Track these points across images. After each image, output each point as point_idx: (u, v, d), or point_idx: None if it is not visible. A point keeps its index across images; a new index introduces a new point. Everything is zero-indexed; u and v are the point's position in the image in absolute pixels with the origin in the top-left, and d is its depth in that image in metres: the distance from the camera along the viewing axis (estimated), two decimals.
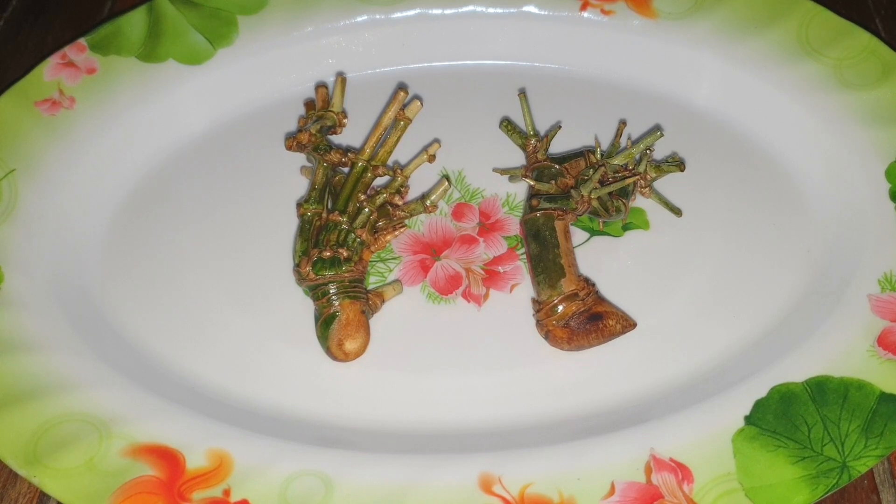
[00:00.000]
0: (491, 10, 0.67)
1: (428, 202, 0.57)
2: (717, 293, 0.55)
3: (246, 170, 0.63)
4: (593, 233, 0.58)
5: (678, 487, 0.44)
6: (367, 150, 0.57)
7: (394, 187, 0.56)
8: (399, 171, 0.57)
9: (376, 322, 0.54)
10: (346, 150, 0.58)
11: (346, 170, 0.58)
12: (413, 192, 0.59)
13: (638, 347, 0.53)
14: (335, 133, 0.60)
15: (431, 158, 0.57)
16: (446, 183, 0.57)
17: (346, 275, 0.53)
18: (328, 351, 0.52)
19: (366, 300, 0.53)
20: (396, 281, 0.56)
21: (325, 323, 0.52)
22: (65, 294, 0.55)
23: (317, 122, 0.58)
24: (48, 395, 0.49)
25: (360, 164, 0.57)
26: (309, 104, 0.62)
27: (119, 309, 0.56)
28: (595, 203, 0.55)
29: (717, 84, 0.64)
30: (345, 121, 0.60)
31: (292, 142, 0.57)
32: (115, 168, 0.61)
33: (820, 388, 0.48)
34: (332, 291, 0.53)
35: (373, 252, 0.55)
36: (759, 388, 0.48)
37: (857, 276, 0.53)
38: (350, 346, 0.52)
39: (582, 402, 0.51)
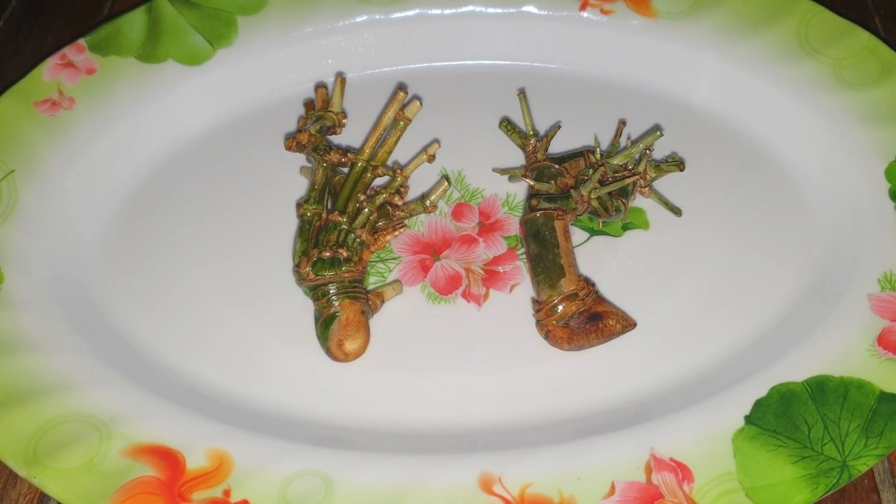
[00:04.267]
0: (490, 9, 0.67)
1: (428, 202, 0.57)
2: (717, 293, 0.55)
3: (246, 170, 0.63)
4: (593, 232, 0.58)
5: (678, 487, 0.44)
6: (367, 151, 0.57)
7: (393, 187, 0.56)
8: (399, 171, 0.57)
9: (376, 322, 0.54)
10: (345, 151, 0.57)
11: (345, 170, 0.58)
12: (413, 193, 0.59)
13: (638, 347, 0.53)
14: (335, 133, 0.60)
15: (431, 158, 0.57)
16: (446, 183, 0.57)
17: (345, 275, 0.53)
18: (328, 351, 0.52)
19: (366, 300, 0.53)
20: (396, 281, 0.56)
21: (324, 323, 0.52)
22: (65, 294, 0.55)
23: (316, 123, 0.58)
24: (48, 395, 0.49)
25: (359, 164, 0.57)
26: (308, 104, 0.62)
27: (119, 309, 0.56)
28: (595, 203, 0.55)
29: (716, 84, 0.64)
30: (344, 121, 0.60)
31: (292, 142, 0.57)
32: (115, 168, 0.61)
33: (820, 388, 0.48)
34: (331, 292, 0.53)
35: (372, 252, 0.55)
36: (760, 388, 0.48)
37: (856, 276, 0.53)
38: (350, 346, 0.52)
39: (582, 402, 0.51)
